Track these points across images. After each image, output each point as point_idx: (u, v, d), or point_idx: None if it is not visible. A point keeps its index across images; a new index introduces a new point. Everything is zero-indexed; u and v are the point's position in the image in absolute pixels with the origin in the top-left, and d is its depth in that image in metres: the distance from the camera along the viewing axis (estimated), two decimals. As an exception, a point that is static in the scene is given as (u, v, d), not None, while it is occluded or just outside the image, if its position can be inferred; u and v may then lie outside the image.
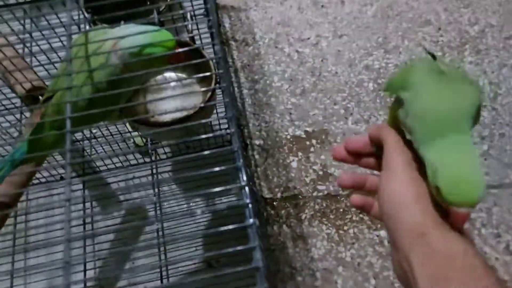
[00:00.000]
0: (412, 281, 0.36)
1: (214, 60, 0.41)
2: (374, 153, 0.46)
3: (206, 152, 0.42)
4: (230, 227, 0.33)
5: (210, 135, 0.41)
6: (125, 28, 0.52)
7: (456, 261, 0.34)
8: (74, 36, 0.51)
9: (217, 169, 0.42)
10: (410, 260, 0.36)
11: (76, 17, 0.50)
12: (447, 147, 0.37)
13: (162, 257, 0.89)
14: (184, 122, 0.62)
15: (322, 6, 1.37)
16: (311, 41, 1.31)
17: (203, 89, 0.73)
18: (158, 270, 0.86)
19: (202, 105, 0.63)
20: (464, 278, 0.34)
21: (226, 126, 1.01)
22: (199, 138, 0.44)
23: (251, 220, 0.32)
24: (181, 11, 0.78)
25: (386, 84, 0.46)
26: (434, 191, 0.37)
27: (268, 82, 1.26)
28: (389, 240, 1.02)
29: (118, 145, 0.97)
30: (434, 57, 0.43)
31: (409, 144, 0.42)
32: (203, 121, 0.60)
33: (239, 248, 0.31)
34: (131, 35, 0.49)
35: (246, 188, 0.39)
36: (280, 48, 1.31)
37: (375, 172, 0.47)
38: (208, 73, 0.64)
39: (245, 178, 0.40)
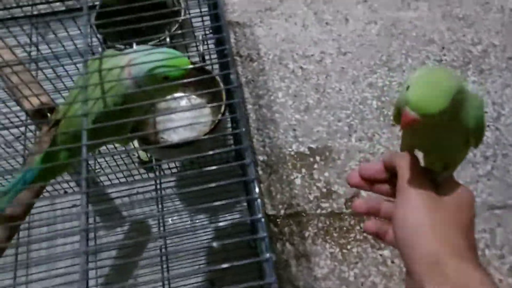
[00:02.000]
0: None
1: (232, 88, 0.41)
2: (389, 179, 0.45)
3: (211, 168, 0.42)
4: (245, 261, 0.32)
5: (219, 150, 0.41)
6: (140, 53, 0.52)
7: None
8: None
9: (223, 182, 0.41)
10: None
11: (88, 35, 0.50)
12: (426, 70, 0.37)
13: (165, 274, 0.88)
14: (195, 142, 0.61)
15: (327, 23, 1.38)
16: (315, 58, 1.32)
17: (210, 105, 0.73)
18: (161, 287, 0.85)
19: (212, 126, 0.63)
20: None
21: (232, 141, 1.01)
22: (209, 154, 0.43)
23: (268, 255, 0.32)
24: (191, 29, 0.79)
25: (394, 112, 0.46)
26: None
27: (272, 98, 1.26)
28: (392, 260, 1.01)
29: (123, 160, 0.97)
30: None
31: (423, 170, 0.43)
32: (213, 136, 0.60)
33: (253, 283, 0.31)
34: (147, 62, 0.49)
35: (259, 201, 0.38)
36: (285, 64, 1.31)
37: (390, 198, 0.47)
38: (217, 91, 0.64)
39: (257, 190, 0.39)
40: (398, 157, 0.43)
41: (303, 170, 1.14)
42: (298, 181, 1.13)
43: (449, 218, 0.39)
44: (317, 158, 1.16)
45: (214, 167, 0.41)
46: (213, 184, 0.40)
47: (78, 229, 0.37)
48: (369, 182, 0.46)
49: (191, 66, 0.49)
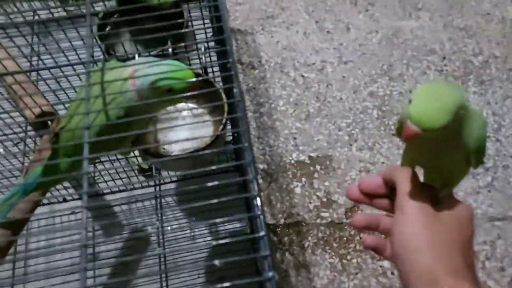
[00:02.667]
0: None
1: (235, 102, 0.41)
2: (388, 194, 0.45)
3: (215, 183, 0.42)
4: (248, 280, 0.32)
5: (223, 165, 0.41)
6: (143, 65, 0.51)
7: None
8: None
9: (225, 198, 0.41)
10: None
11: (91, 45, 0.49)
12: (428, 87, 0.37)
13: (164, 283, 0.87)
14: (197, 153, 0.61)
15: (328, 32, 1.38)
16: (317, 66, 1.32)
17: (212, 119, 0.73)
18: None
19: (214, 136, 0.63)
20: None
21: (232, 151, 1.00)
22: (211, 168, 0.43)
23: (271, 274, 0.31)
24: (195, 41, 0.79)
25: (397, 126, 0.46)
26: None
27: (273, 106, 1.26)
28: (392, 271, 1.01)
29: (123, 168, 0.96)
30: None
31: (423, 186, 0.42)
32: (215, 150, 0.59)
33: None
34: (151, 74, 0.49)
35: (261, 217, 0.38)
36: (286, 72, 1.31)
37: (390, 213, 0.46)
38: (219, 102, 0.64)
39: (259, 205, 0.38)
40: (397, 172, 0.43)
41: (303, 179, 1.14)
42: (298, 190, 1.12)
43: (448, 236, 0.39)
44: (318, 167, 1.16)
45: (216, 182, 0.41)
46: (214, 200, 0.39)
47: (78, 244, 0.36)
48: (369, 197, 0.46)
49: (195, 79, 0.48)
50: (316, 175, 1.14)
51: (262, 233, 0.33)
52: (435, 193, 0.43)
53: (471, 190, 1.10)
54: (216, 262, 0.32)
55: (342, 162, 1.16)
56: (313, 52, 1.34)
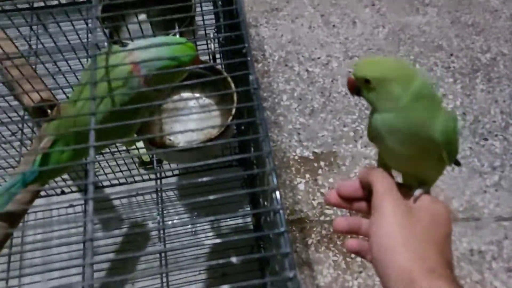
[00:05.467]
0: None
1: (252, 90, 0.39)
2: (366, 197, 0.45)
3: (222, 176, 0.39)
4: (266, 280, 0.29)
5: (237, 156, 0.38)
6: (145, 49, 0.49)
7: None
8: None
9: (243, 191, 0.38)
10: None
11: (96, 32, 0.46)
12: None
13: (164, 279, 0.85)
14: (206, 143, 0.58)
15: (334, 26, 1.36)
16: (322, 61, 1.29)
17: (217, 115, 0.70)
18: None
19: (223, 127, 0.60)
20: None
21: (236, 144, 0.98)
22: (215, 161, 0.40)
23: (292, 273, 0.29)
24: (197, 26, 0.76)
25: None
26: None
27: (276, 100, 1.23)
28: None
29: (124, 160, 0.94)
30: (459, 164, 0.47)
31: (399, 186, 0.42)
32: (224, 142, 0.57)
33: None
34: (156, 60, 0.46)
35: (281, 212, 0.35)
36: (290, 67, 1.29)
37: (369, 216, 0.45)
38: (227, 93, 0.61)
39: (279, 199, 0.35)
40: (373, 173, 0.43)
41: (307, 176, 1.11)
42: (301, 187, 1.10)
43: (423, 234, 0.39)
44: (322, 163, 1.13)
45: (226, 175, 0.38)
46: (220, 195, 0.37)
47: (83, 238, 0.34)
48: (348, 201, 0.45)
49: (194, 51, 0.46)
50: (320, 171, 1.12)
51: (282, 229, 0.31)
52: (412, 193, 0.43)
53: (478, 189, 1.08)
54: (234, 259, 0.29)
55: (347, 158, 1.13)
56: (318, 46, 1.32)
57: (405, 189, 0.42)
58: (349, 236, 1.03)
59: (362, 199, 0.44)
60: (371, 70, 0.38)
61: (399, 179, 0.46)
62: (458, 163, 0.49)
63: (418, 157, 0.41)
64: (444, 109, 0.39)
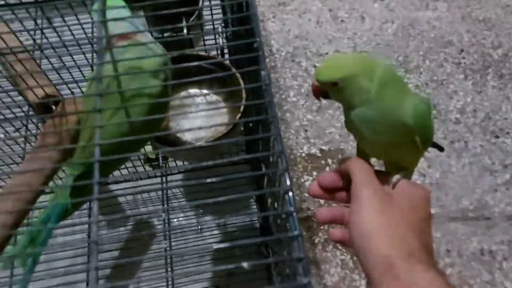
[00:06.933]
0: None
1: (263, 86, 0.37)
2: (346, 186, 0.45)
3: (229, 177, 0.38)
4: (278, 286, 0.28)
5: (248, 156, 0.37)
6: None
7: None
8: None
9: (256, 193, 0.37)
10: None
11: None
12: None
13: (169, 277, 0.84)
14: (216, 142, 0.57)
15: (342, 20, 1.33)
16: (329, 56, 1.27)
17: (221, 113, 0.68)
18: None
19: (231, 125, 0.58)
20: None
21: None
22: (222, 160, 0.39)
23: (306, 280, 0.27)
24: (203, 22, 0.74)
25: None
26: None
27: (283, 96, 1.21)
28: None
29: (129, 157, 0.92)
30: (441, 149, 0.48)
31: (377, 174, 0.43)
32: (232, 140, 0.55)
33: None
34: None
35: (295, 215, 0.34)
36: (297, 62, 1.27)
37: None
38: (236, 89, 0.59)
39: (292, 201, 0.34)
40: (351, 162, 0.43)
41: (314, 173, 1.10)
42: (308, 184, 1.08)
43: (401, 220, 0.39)
44: (329, 160, 1.12)
45: (241, 174, 0.37)
46: (231, 196, 0.35)
47: (88, 240, 0.32)
48: (329, 192, 0.45)
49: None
50: (327, 169, 1.10)
51: (296, 232, 0.29)
52: (390, 179, 0.43)
53: (488, 188, 1.06)
54: (245, 264, 0.28)
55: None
56: (326, 41, 1.30)
57: (385, 177, 0.43)
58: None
59: (343, 189, 0.45)
60: (335, 72, 0.39)
61: (382, 167, 0.46)
62: (440, 148, 0.50)
63: (394, 144, 0.41)
64: (415, 94, 0.41)
